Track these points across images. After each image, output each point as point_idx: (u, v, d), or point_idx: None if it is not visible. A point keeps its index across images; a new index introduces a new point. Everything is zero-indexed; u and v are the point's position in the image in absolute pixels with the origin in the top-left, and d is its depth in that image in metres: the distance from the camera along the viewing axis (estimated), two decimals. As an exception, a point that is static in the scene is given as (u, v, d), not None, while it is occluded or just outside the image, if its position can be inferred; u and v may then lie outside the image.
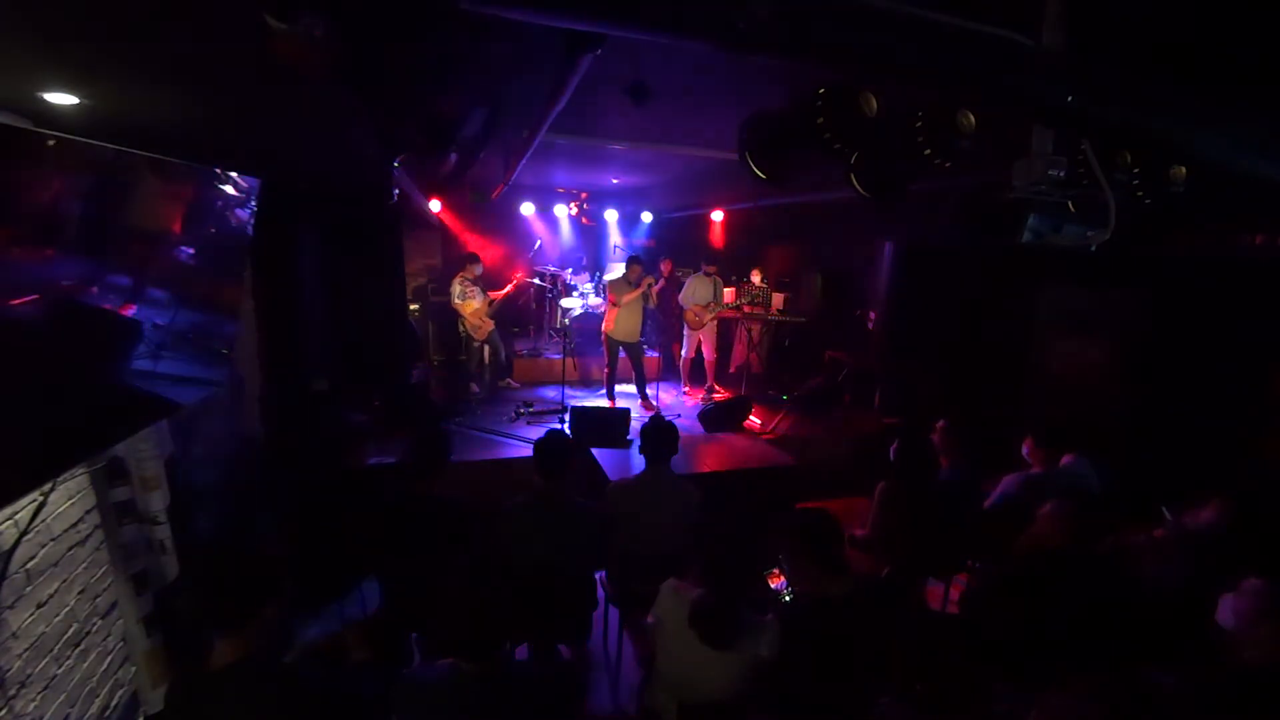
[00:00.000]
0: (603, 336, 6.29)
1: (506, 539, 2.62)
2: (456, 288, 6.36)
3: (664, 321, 8.08)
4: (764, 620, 1.94)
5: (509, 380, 6.96)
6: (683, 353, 7.06)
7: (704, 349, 6.89)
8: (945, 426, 3.37)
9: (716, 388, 7.02)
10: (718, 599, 1.89)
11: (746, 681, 1.93)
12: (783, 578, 2.68)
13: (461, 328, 6.54)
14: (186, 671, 1.55)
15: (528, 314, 8.74)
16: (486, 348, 6.59)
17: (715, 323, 6.85)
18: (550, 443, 2.66)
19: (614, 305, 6.04)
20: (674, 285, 7.35)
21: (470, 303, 6.36)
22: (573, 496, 2.69)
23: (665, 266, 7.51)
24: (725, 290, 6.84)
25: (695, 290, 6.66)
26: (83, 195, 1.90)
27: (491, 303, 6.60)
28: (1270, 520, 2.81)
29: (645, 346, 6.44)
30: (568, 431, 5.21)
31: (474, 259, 6.53)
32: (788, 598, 2.61)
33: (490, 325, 6.52)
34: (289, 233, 4.04)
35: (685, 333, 6.89)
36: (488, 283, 6.67)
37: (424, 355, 7.43)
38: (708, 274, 6.67)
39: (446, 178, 3.94)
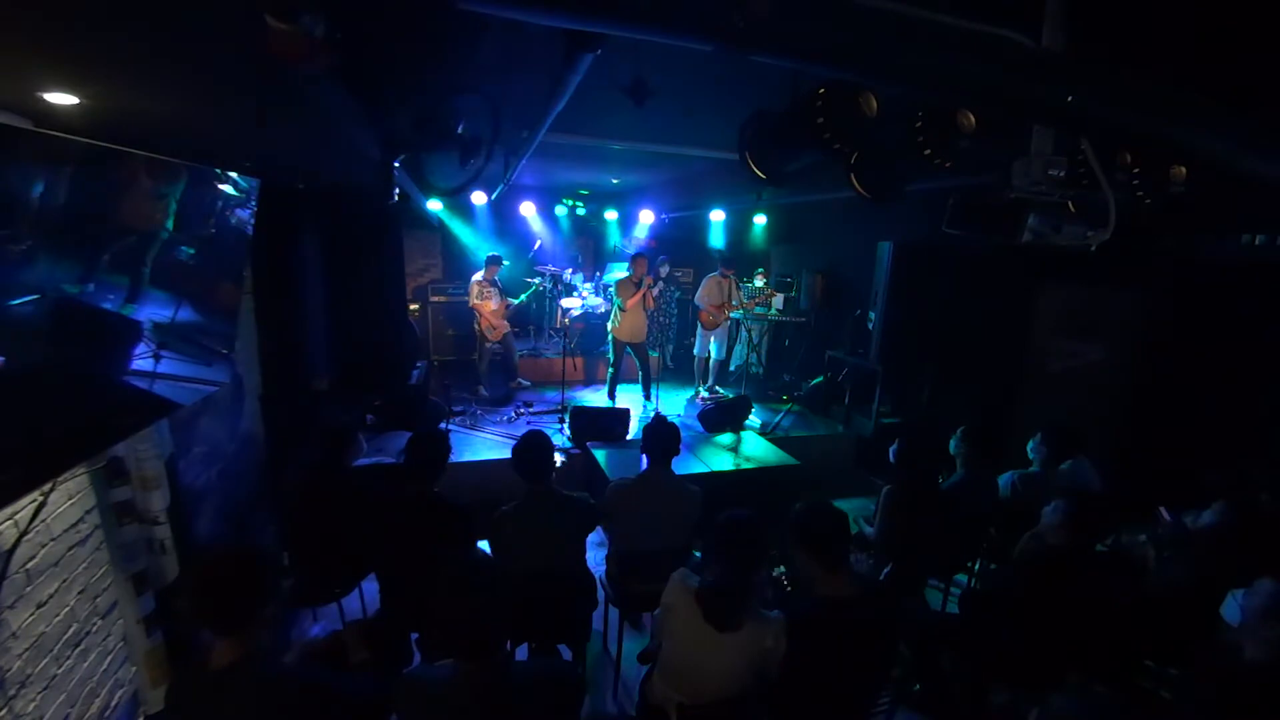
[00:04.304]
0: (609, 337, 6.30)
1: (503, 545, 2.62)
2: (475, 289, 6.44)
3: (663, 321, 8.07)
4: (771, 614, 1.95)
5: (519, 380, 6.99)
6: (695, 351, 7.04)
7: (715, 349, 6.90)
8: (966, 431, 3.37)
9: (715, 390, 7.02)
10: (727, 577, 1.91)
11: (749, 675, 1.94)
12: (783, 564, 2.68)
13: (476, 327, 6.59)
14: (186, 671, 1.55)
15: (527, 314, 8.76)
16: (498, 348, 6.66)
17: (728, 323, 6.85)
18: (528, 445, 2.65)
19: (620, 308, 6.03)
20: (675, 286, 7.35)
21: (488, 303, 6.44)
22: (559, 490, 2.70)
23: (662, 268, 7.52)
24: (736, 293, 6.83)
25: (709, 291, 6.66)
26: (83, 195, 1.90)
27: (509, 305, 6.69)
28: (1271, 520, 2.81)
29: (649, 347, 6.42)
30: (567, 430, 5.21)
31: (496, 260, 6.62)
32: (785, 585, 2.61)
33: (506, 327, 6.60)
34: (289, 233, 4.04)
35: (699, 332, 6.90)
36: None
37: (424, 355, 7.44)
38: (725, 275, 6.65)
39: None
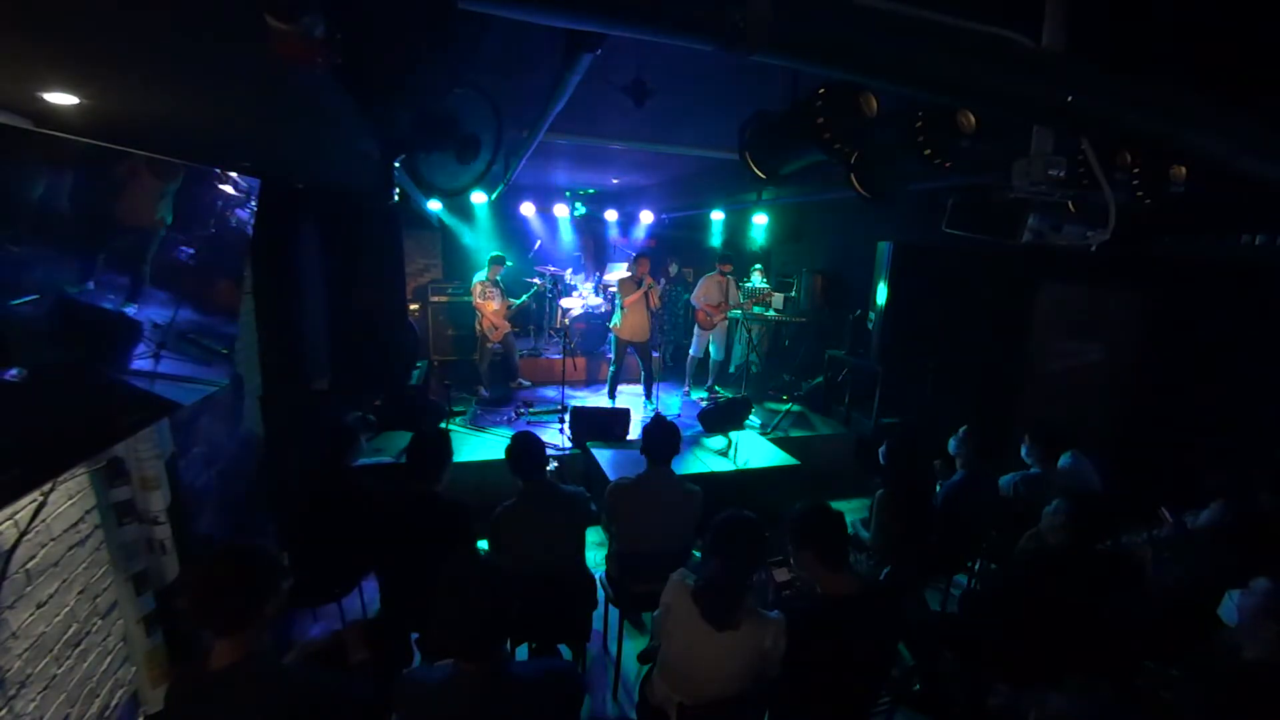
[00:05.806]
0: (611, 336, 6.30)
1: (502, 542, 2.63)
2: (478, 288, 6.48)
3: (668, 322, 8.05)
4: (770, 614, 1.95)
5: (520, 380, 7.02)
6: (691, 352, 7.01)
7: (713, 349, 6.88)
8: (966, 431, 3.37)
9: (714, 390, 7.02)
10: (724, 575, 1.91)
11: (749, 675, 1.94)
12: (785, 570, 2.68)
13: (478, 327, 6.61)
14: (186, 671, 1.55)
15: (528, 314, 8.76)
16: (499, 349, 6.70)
17: (725, 323, 6.82)
18: (519, 444, 2.69)
19: (621, 306, 6.02)
20: (678, 285, 7.34)
21: (490, 303, 6.48)
22: (556, 484, 2.74)
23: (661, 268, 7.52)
24: (733, 292, 6.80)
25: (707, 290, 6.60)
26: (83, 195, 1.90)
27: (511, 305, 6.73)
28: (1271, 520, 2.81)
29: (653, 348, 6.40)
30: (567, 430, 5.21)
31: (500, 260, 6.66)
32: (787, 592, 2.61)
33: (507, 327, 6.63)
34: (289, 233, 4.04)
35: (695, 332, 6.86)
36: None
37: (424, 355, 7.45)
38: (723, 273, 6.60)
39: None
